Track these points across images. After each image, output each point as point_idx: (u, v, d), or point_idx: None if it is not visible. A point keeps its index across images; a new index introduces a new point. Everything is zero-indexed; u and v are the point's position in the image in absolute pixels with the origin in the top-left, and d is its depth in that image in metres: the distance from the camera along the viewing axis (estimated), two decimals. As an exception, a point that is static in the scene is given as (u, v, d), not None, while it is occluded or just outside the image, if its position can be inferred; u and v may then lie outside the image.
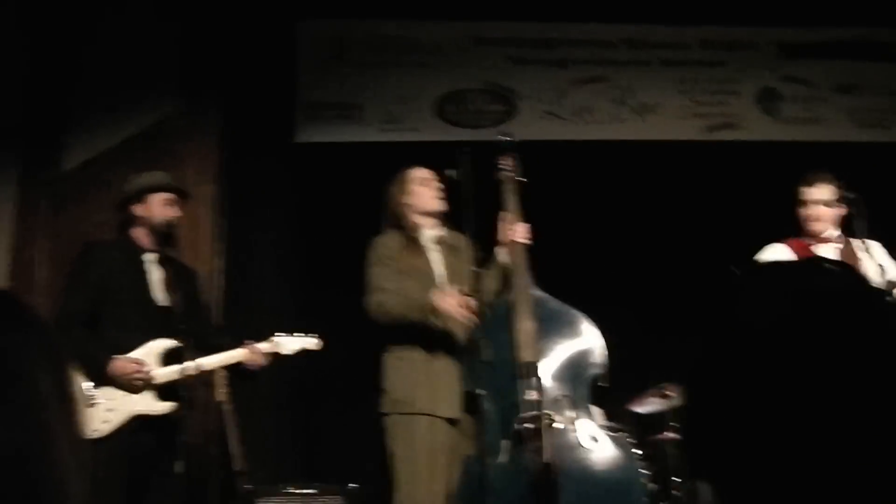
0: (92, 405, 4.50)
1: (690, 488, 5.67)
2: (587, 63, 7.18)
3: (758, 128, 7.21)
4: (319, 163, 6.92)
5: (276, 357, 4.97)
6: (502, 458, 4.37)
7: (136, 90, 6.61)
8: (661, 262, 6.62)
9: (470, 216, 4.50)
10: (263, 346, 4.89)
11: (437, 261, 4.88)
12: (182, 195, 5.03)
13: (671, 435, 5.71)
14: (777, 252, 5.18)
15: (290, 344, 4.98)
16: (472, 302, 4.49)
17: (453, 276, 4.79)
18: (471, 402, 4.52)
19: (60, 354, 0.89)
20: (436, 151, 5.66)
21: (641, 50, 7.28)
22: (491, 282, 4.83)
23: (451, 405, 4.61)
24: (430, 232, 4.93)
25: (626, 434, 4.48)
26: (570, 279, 4.82)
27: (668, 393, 5.70)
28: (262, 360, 4.86)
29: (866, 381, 0.98)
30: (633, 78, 7.18)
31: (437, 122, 6.95)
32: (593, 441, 4.36)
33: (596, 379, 4.54)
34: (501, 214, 4.79)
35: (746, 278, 1.12)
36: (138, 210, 4.90)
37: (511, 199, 4.82)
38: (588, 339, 4.57)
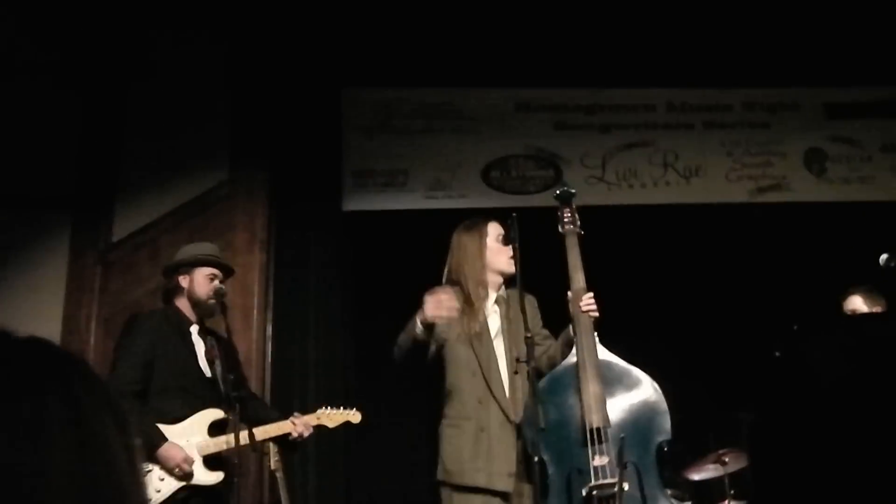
0: (145, 474, 4.52)
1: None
2: (630, 127, 7.21)
3: (805, 188, 7.19)
4: (367, 230, 6.95)
5: (320, 429, 4.96)
6: None
7: (185, 159, 6.71)
8: (712, 326, 6.58)
9: (523, 281, 4.49)
10: (308, 419, 4.88)
11: (494, 325, 4.72)
12: (228, 270, 5.06)
13: (731, 502, 5.62)
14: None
15: (333, 417, 4.97)
16: (449, 295, 4.43)
17: (512, 341, 4.67)
18: (531, 469, 4.42)
19: (128, 423, 0.92)
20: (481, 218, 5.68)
21: (684, 113, 7.31)
22: (552, 347, 4.74)
23: (506, 477, 4.52)
24: (493, 293, 4.78)
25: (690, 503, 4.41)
26: (620, 345, 4.76)
27: (725, 459, 5.60)
28: (307, 432, 4.86)
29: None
30: (677, 141, 7.20)
31: (482, 189, 6.98)
32: None
33: (662, 444, 4.43)
34: (570, 288, 4.65)
35: (811, 336, 1.12)
36: (184, 281, 4.94)
37: (573, 252, 4.70)
38: (654, 403, 4.45)
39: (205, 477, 4.63)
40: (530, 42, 6.99)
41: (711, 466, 5.73)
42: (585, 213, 6.57)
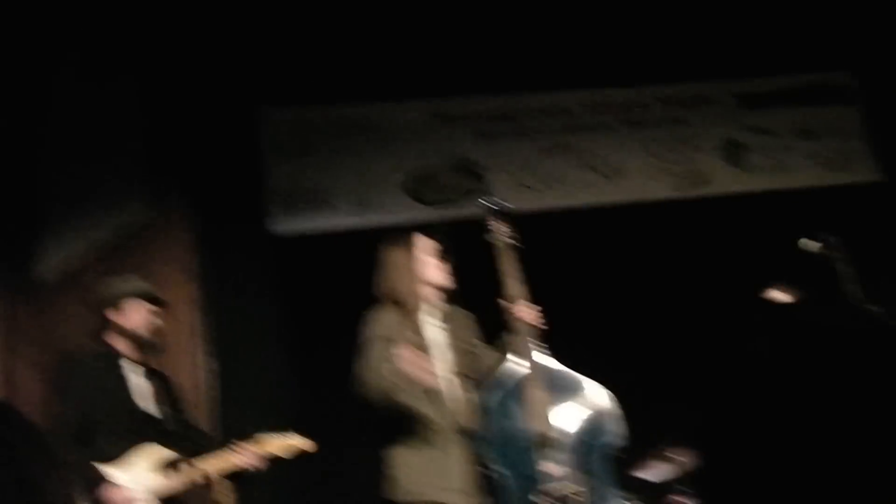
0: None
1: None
2: (551, 131, 7.24)
3: (726, 180, 7.28)
4: (297, 250, 6.90)
5: (270, 458, 4.87)
6: None
7: (104, 192, 6.61)
8: (644, 324, 6.63)
9: (459, 294, 4.48)
10: (251, 447, 4.79)
11: (436, 339, 4.66)
12: (158, 302, 4.98)
13: (679, 499, 5.64)
14: None
15: (276, 441, 4.87)
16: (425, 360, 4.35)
17: (454, 355, 4.64)
18: (487, 481, 4.41)
19: (66, 466, 0.91)
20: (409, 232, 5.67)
21: (602, 113, 7.36)
22: (492, 358, 4.70)
23: (463, 494, 4.50)
24: (429, 307, 4.71)
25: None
26: (560, 349, 4.78)
27: (672, 457, 5.61)
28: (258, 462, 4.77)
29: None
30: (597, 142, 7.25)
31: (407, 202, 6.97)
32: None
33: (610, 446, 4.41)
34: (505, 297, 4.57)
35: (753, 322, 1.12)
36: (113, 316, 4.86)
37: (504, 261, 4.59)
38: (603, 408, 4.43)
39: (155, 518, 4.57)
40: (446, 52, 6.99)
41: (659, 465, 5.73)
42: (512, 220, 6.62)
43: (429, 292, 4.70)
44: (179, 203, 6.57)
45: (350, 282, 6.90)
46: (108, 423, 4.65)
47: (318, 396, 6.86)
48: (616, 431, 4.40)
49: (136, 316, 4.82)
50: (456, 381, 4.58)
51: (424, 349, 4.55)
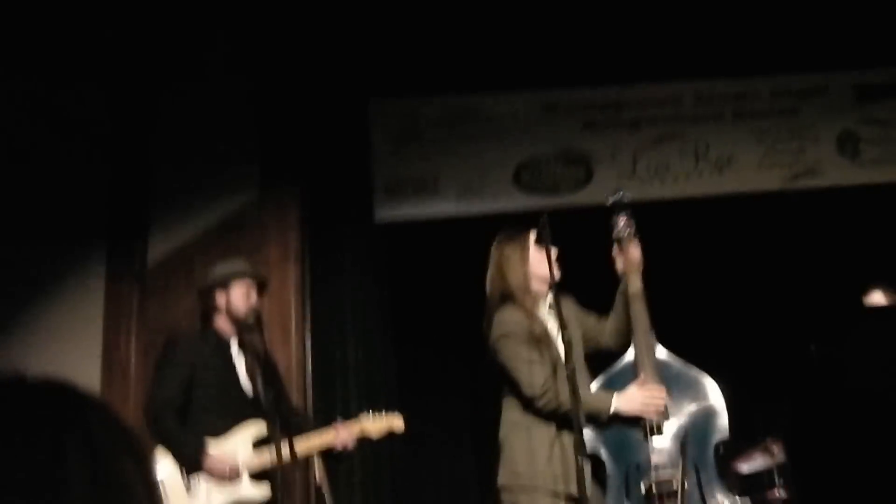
0: (189, 490, 4.54)
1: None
2: (659, 121, 7.15)
3: (839, 173, 7.10)
4: (401, 239, 6.95)
5: (364, 438, 4.94)
6: None
7: (216, 180, 6.72)
8: (752, 316, 6.52)
9: (555, 283, 4.49)
10: (350, 426, 4.87)
11: (553, 332, 4.66)
12: (261, 283, 5.07)
13: (778, 493, 5.57)
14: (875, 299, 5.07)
15: (374, 423, 4.94)
16: (655, 391, 4.40)
17: (568, 346, 4.58)
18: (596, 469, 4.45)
19: (152, 471, 0.91)
20: (515, 221, 5.66)
21: (712, 104, 7.24)
22: (612, 324, 4.76)
23: (573, 482, 4.47)
24: (542, 301, 4.74)
25: (748, 499, 4.38)
26: (660, 336, 4.74)
27: (772, 449, 5.54)
28: (350, 442, 4.84)
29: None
30: (707, 132, 7.13)
31: (513, 191, 6.94)
32: None
33: (719, 443, 4.45)
34: (627, 292, 4.66)
35: (852, 328, 1.08)
36: (220, 299, 4.95)
37: (631, 260, 4.70)
38: (712, 403, 4.46)
39: (250, 492, 4.65)
40: (555, 43, 6.95)
41: (759, 457, 5.67)
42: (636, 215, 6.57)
43: (539, 287, 4.72)
44: (288, 189, 6.66)
45: (453, 269, 6.97)
46: (210, 401, 4.75)
47: (416, 382, 6.93)
48: (723, 426, 4.39)
49: (240, 297, 4.91)
50: (576, 372, 4.60)
51: (547, 343, 4.59)
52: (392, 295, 6.99)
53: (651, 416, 4.36)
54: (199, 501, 4.55)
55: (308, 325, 6.41)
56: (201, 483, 4.58)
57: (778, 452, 5.55)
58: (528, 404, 4.47)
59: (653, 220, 5.44)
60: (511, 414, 4.62)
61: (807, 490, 1.05)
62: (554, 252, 4.63)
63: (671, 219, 6.62)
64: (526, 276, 4.68)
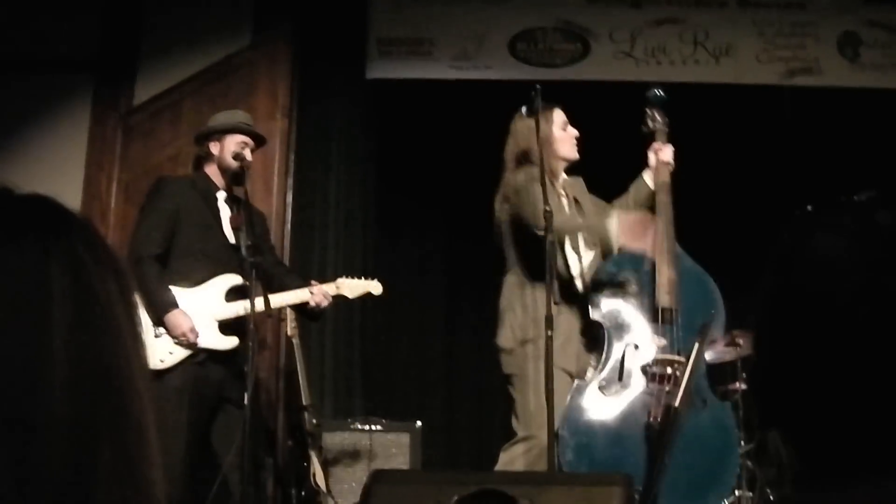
0: (157, 336, 4.56)
1: (761, 438, 5.61)
2: (661, 3, 7.03)
3: (837, 73, 7.03)
4: (391, 98, 6.89)
5: (340, 299, 4.99)
6: (616, 391, 4.45)
7: (208, 24, 6.63)
8: (729, 208, 6.52)
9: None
10: (326, 287, 4.91)
11: (564, 204, 4.77)
12: (259, 140, 5.06)
13: (739, 385, 5.63)
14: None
15: (353, 288, 5.00)
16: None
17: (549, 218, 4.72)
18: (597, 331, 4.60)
19: (132, 293, 0.90)
20: (506, 89, 5.61)
21: (717, -10, 7.11)
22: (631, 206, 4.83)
23: (575, 358, 4.61)
24: (557, 180, 4.81)
25: (728, 405, 4.51)
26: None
27: (738, 341, 5.57)
28: (325, 301, 4.88)
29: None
30: (709, 19, 7.01)
31: (508, 60, 6.85)
32: (702, 402, 4.41)
33: (711, 334, 4.59)
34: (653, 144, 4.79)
35: (825, 213, 1.07)
36: (214, 148, 4.93)
37: (662, 157, 4.83)
38: (716, 306, 4.60)
39: (219, 342, 4.68)
40: None
41: (724, 349, 5.70)
42: (611, 88, 6.51)
43: (557, 165, 4.79)
44: (281, 40, 6.58)
45: (441, 132, 6.94)
46: (191, 246, 4.76)
47: (396, 244, 6.95)
48: (721, 327, 4.51)
49: (234, 149, 4.88)
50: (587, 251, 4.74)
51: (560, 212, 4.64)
52: (378, 155, 6.97)
53: (647, 247, 4.51)
54: (166, 347, 4.57)
55: (291, 181, 6.39)
56: (167, 332, 4.60)
57: (744, 345, 5.58)
58: (533, 238, 4.49)
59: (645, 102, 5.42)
60: (513, 278, 4.71)
61: (766, 385, 1.05)
62: (575, 133, 4.77)
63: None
64: (544, 149, 4.66)
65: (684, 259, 4.69)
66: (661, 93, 4.95)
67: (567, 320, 4.59)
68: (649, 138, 4.86)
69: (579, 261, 4.73)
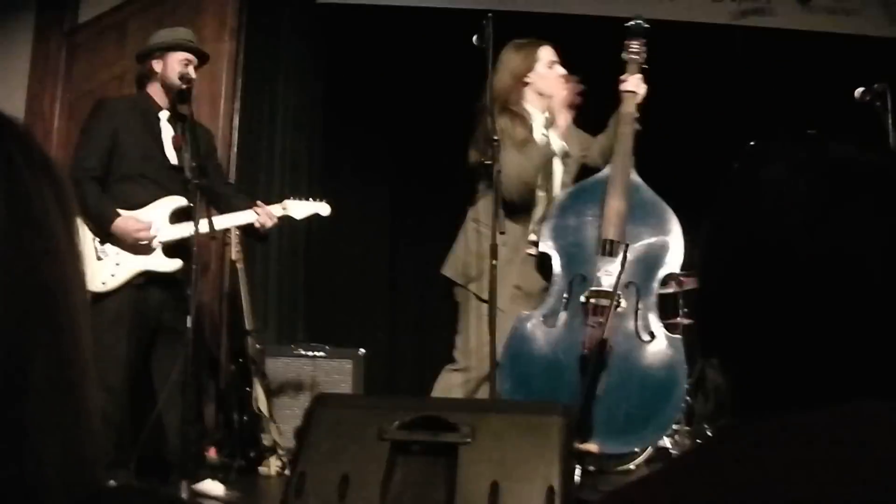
0: (99, 259, 4.51)
1: (700, 371, 5.70)
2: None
3: (789, 15, 7.05)
4: (340, 23, 6.81)
5: (286, 220, 4.96)
6: (558, 322, 4.48)
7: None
8: (676, 147, 6.55)
9: (490, 84, 4.48)
10: (274, 209, 4.87)
11: (553, 140, 4.76)
12: (202, 57, 4.96)
13: (683, 320, 5.71)
14: None
15: (300, 208, 4.97)
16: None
17: (565, 165, 4.79)
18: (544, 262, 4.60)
19: (70, 203, 0.88)
20: (457, 17, 5.56)
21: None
22: (605, 143, 4.80)
23: (518, 296, 4.62)
24: (540, 117, 4.78)
25: (680, 339, 4.53)
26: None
27: (681, 278, 5.64)
28: (271, 222, 4.83)
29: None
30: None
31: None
32: (649, 335, 4.43)
33: (667, 277, 4.63)
34: (622, 114, 4.74)
35: (776, 146, 1.07)
36: (157, 66, 4.83)
37: (633, 86, 4.77)
38: (672, 237, 4.57)
39: (162, 264, 4.63)
40: None
41: (668, 283, 5.77)
42: (564, 19, 6.47)
43: (541, 102, 4.77)
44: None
45: (390, 58, 6.88)
46: (131, 169, 4.68)
47: (341, 167, 6.93)
48: (675, 262, 4.52)
49: (177, 67, 4.79)
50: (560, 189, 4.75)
51: (531, 147, 4.64)
52: (326, 79, 6.91)
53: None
54: (108, 269, 4.52)
55: (238, 103, 6.32)
56: (111, 253, 4.54)
57: (686, 281, 5.66)
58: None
59: (597, 37, 5.40)
60: (471, 213, 4.71)
61: (706, 319, 1.06)
62: (561, 71, 4.75)
63: (607, 38, 6.57)
64: (525, 87, 4.72)
65: (642, 190, 4.66)
66: (642, 22, 4.87)
67: (514, 242, 4.60)
68: (627, 68, 4.80)
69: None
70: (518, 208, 4.61)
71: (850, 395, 0.92)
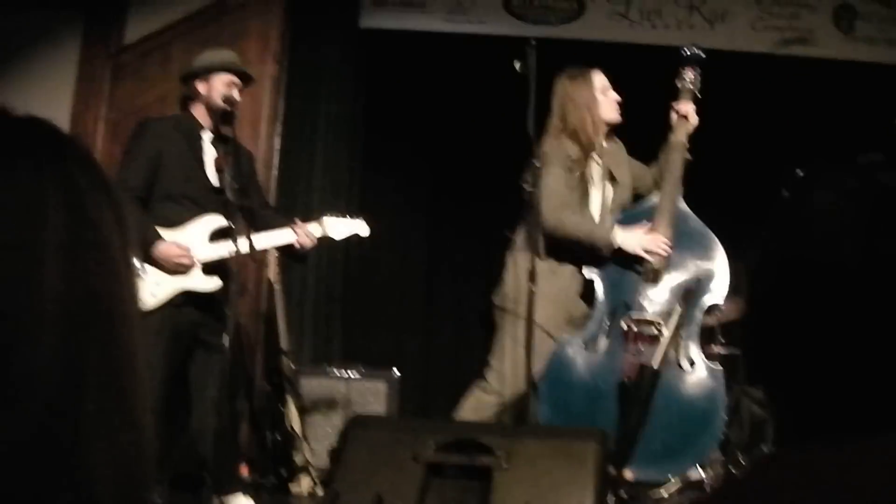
0: (140, 278, 4.54)
1: (735, 400, 5.65)
2: (660, -35, 6.99)
3: (831, 45, 7.02)
4: (383, 48, 6.85)
5: (325, 240, 4.96)
6: (599, 348, 4.48)
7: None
8: (721, 176, 6.52)
9: (531, 111, 4.48)
10: (312, 228, 4.87)
11: (596, 169, 4.78)
12: (246, 78, 4.99)
13: (716, 349, 5.67)
14: None
15: (338, 226, 4.96)
16: (661, 241, 4.52)
17: (615, 183, 4.79)
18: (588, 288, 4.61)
19: (126, 222, 0.89)
20: (499, 45, 5.57)
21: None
22: (658, 174, 4.85)
23: (562, 322, 4.62)
24: (598, 145, 4.81)
25: (721, 370, 4.51)
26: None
27: (720, 307, 5.60)
28: (310, 242, 4.84)
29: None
30: (706, -16, 6.99)
31: (503, 16, 6.82)
32: (689, 364, 4.42)
33: (711, 308, 4.62)
34: (673, 142, 4.78)
35: (826, 174, 1.07)
36: (201, 87, 4.86)
37: (687, 112, 4.85)
38: (717, 266, 4.59)
39: (202, 283, 4.65)
40: None
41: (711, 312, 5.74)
42: (604, 48, 6.47)
43: (600, 130, 4.79)
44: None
45: (431, 84, 6.91)
46: (173, 189, 4.71)
47: (380, 190, 6.94)
48: (720, 292, 4.51)
49: (221, 88, 4.82)
50: (608, 216, 4.75)
51: (588, 186, 4.70)
52: (367, 103, 6.94)
53: (653, 258, 4.51)
54: (148, 288, 4.55)
55: (279, 126, 6.36)
56: (151, 272, 4.57)
57: (725, 311, 5.62)
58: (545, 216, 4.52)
59: (638, 64, 5.41)
60: (519, 239, 4.72)
61: (757, 346, 1.05)
62: (616, 97, 4.78)
63: (654, 66, 6.56)
64: (591, 116, 4.74)
65: (690, 220, 4.69)
66: (698, 50, 4.94)
67: (561, 279, 4.61)
68: (681, 97, 4.87)
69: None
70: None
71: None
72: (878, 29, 7.11)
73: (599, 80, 4.82)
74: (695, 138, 5.39)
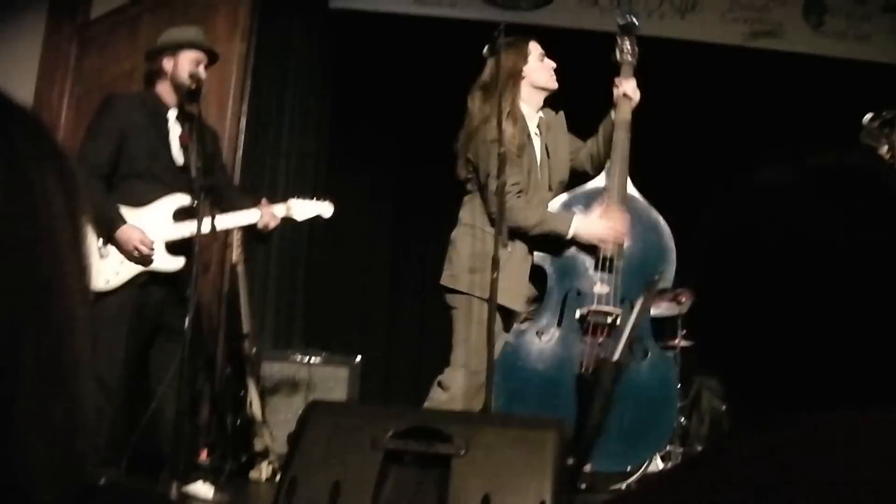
0: (102, 257, 4.50)
1: (695, 392, 5.69)
2: (632, -48, 7.00)
3: (800, 39, 7.05)
4: (351, 30, 6.82)
5: (289, 221, 4.93)
6: (552, 338, 4.42)
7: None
8: (681, 165, 6.56)
9: (499, 98, 4.44)
10: (277, 209, 4.85)
11: (536, 143, 4.67)
12: (213, 56, 4.95)
13: (679, 341, 5.70)
14: None
15: (303, 208, 4.94)
16: (617, 228, 4.43)
17: (552, 159, 4.67)
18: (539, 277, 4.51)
19: (77, 194, 0.87)
20: (468, 30, 5.55)
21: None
22: (594, 147, 4.75)
23: (521, 297, 4.53)
24: (531, 110, 4.71)
25: (673, 357, 4.48)
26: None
27: (681, 298, 5.64)
28: (274, 223, 4.82)
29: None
30: (679, -27, 7.01)
31: (473, 0, 6.80)
32: (643, 352, 4.39)
33: (656, 283, 4.47)
34: (617, 120, 4.64)
35: (765, 157, 1.07)
36: (167, 64, 4.81)
37: (626, 85, 4.68)
38: (666, 249, 4.52)
39: (165, 262, 4.61)
40: None
41: (666, 304, 5.76)
42: (574, 36, 6.47)
43: (534, 96, 4.70)
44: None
45: (400, 66, 6.89)
46: (137, 167, 4.66)
47: (345, 171, 6.93)
48: (670, 276, 4.46)
49: (187, 66, 4.77)
50: (549, 188, 4.65)
51: (527, 149, 4.58)
52: (335, 85, 6.91)
53: (608, 246, 4.40)
54: (111, 268, 4.51)
55: (246, 104, 6.32)
56: (114, 252, 4.53)
57: (685, 302, 5.65)
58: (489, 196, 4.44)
59: (604, 50, 5.39)
60: (466, 215, 4.63)
61: (706, 326, 1.05)
62: (552, 64, 4.68)
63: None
64: (520, 80, 4.65)
65: (637, 202, 4.58)
66: (632, 18, 4.77)
67: (514, 258, 4.54)
68: (617, 70, 4.73)
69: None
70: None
71: (847, 401, 0.91)
72: (847, 24, 7.15)
73: (535, 47, 4.72)
74: (659, 129, 5.41)
